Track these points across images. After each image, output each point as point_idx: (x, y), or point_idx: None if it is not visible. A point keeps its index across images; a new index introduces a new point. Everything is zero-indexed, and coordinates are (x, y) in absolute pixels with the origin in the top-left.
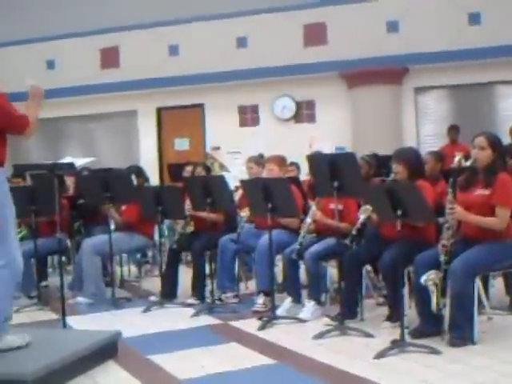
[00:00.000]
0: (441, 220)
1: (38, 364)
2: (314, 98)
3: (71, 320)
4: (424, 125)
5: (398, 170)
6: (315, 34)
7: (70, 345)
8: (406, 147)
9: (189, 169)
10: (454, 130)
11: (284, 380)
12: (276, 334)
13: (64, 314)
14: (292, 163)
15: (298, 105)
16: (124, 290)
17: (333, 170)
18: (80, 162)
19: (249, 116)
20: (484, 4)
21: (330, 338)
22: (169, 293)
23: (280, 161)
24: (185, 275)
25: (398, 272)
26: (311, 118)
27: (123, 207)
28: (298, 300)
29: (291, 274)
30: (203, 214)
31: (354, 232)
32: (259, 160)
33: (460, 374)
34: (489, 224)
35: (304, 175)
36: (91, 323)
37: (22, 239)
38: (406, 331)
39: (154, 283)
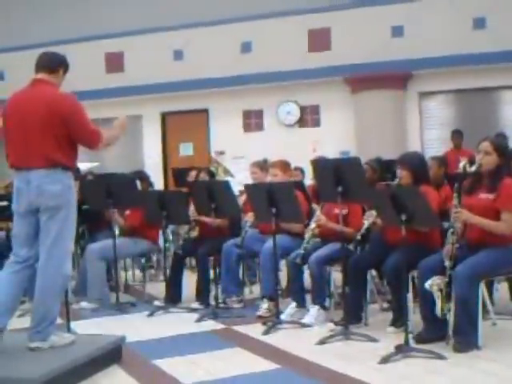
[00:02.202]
0: (445, 225)
1: (43, 369)
2: (319, 102)
3: (75, 325)
4: (428, 129)
5: (403, 175)
6: (319, 39)
7: (75, 349)
8: (410, 152)
9: (193, 174)
10: (457, 135)
11: None
12: (280, 339)
13: (68, 319)
14: (296, 168)
15: (303, 110)
16: (128, 295)
17: (337, 175)
18: (84, 166)
19: (253, 121)
20: (489, 9)
21: (334, 343)
22: (173, 297)
23: (284, 166)
24: (189, 280)
25: (403, 277)
26: (315, 123)
27: (127, 212)
28: (302, 305)
29: (295, 278)
30: (208, 219)
31: (358, 237)
32: (263, 165)
33: (464, 379)
34: (494, 227)
35: (309, 180)
36: (95, 328)
37: None
38: (410, 336)
39: (158, 288)
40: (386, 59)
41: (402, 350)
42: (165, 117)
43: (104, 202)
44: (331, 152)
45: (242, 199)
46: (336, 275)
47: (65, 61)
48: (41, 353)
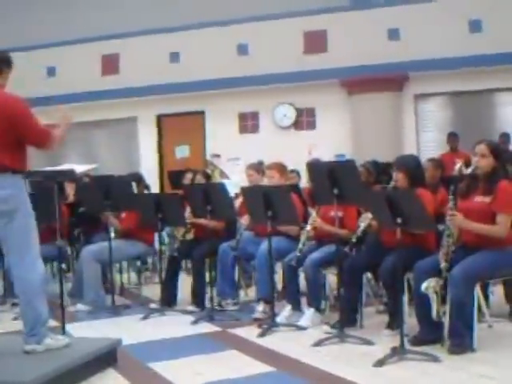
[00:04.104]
0: (441, 227)
1: (37, 372)
2: (314, 105)
3: (71, 327)
4: (424, 132)
5: (399, 178)
6: (315, 42)
7: (70, 352)
8: (406, 155)
9: (189, 176)
10: (453, 138)
11: None
12: (275, 342)
13: (64, 322)
14: (292, 170)
15: (298, 112)
16: (124, 298)
17: (333, 178)
18: (81, 168)
19: (249, 123)
20: (485, 11)
21: (329, 346)
22: (169, 300)
23: (281, 168)
24: (185, 282)
25: (398, 279)
26: (311, 126)
27: (123, 214)
28: (297, 307)
29: (291, 281)
30: (204, 222)
31: (353, 240)
32: (259, 167)
33: (459, 382)
34: (490, 231)
35: (305, 183)
36: (91, 330)
37: None
38: (405, 339)
39: (153, 290)
40: (383, 61)
41: (397, 352)
42: (160, 119)
43: (101, 204)
44: (327, 155)
45: (237, 202)
46: (331, 278)
47: (8, 59)
48: (35, 356)
